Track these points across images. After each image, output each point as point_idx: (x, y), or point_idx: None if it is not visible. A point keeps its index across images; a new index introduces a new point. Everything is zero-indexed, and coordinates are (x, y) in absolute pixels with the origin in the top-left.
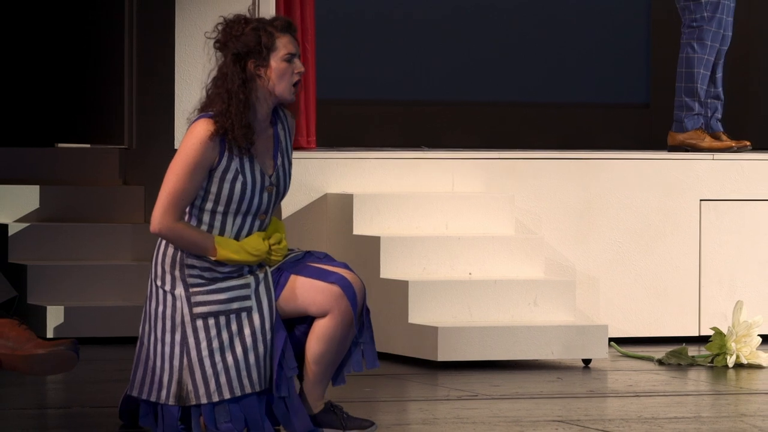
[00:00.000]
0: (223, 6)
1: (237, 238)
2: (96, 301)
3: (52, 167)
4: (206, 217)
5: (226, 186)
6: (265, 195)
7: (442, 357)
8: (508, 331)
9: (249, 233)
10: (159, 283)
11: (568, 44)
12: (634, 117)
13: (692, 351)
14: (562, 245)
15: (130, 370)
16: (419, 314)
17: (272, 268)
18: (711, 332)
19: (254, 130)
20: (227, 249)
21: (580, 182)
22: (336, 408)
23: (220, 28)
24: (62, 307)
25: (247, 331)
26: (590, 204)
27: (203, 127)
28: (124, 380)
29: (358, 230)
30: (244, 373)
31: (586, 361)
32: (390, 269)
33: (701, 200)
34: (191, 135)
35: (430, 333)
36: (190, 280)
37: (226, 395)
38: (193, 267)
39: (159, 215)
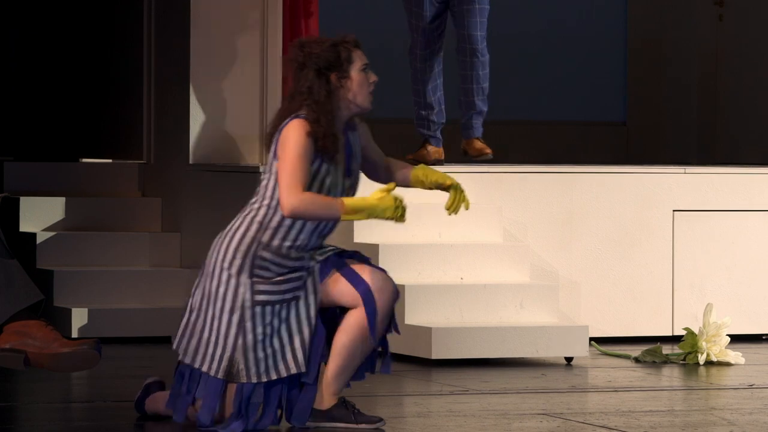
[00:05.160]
0: (234, 32)
1: (312, 235)
2: (117, 304)
3: (77, 180)
4: (288, 219)
5: (315, 186)
6: (344, 194)
7: (435, 355)
8: (497, 331)
9: (326, 229)
10: (226, 265)
11: (553, 67)
12: (612, 134)
13: (666, 349)
14: (546, 252)
15: (150, 368)
16: (414, 316)
17: (321, 259)
18: (683, 332)
19: (338, 138)
20: (349, 206)
21: (562, 194)
22: (348, 404)
23: (295, 50)
24: (86, 310)
25: (293, 318)
26: (572, 214)
27: (303, 124)
28: (143, 377)
29: (358, 238)
30: (289, 356)
31: (569, 359)
32: None
33: (674, 211)
34: (295, 130)
35: (424, 333)
36: (257, 271)
37: (273, 376)
38: (264, 259)
39: (286, 196)
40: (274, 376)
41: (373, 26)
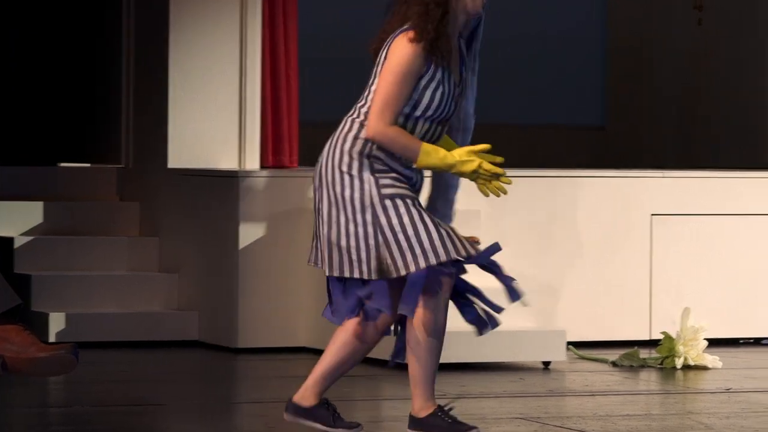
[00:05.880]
0: (213, 39)
1: (423, 139)
2: (95, 308)
3: (55, 185)
4: (400, 119)
5: (428, 94)
6: (454, 103)
7: None
8: (474, 335)
9: (432, 138)
10: (345, 168)
11: (531, 72)
12: (590, 138)
13: (644, 354)
14: (524, 256)
15: (128, 372)
16: None
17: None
18: (661, 336)
19: (451, 38)
20: (430, 157)
21: (541, 198)
22: (330, 406)
23: None
24: (64, 314)
25: (426, 214)
26: (551, 218)
27: (407, 39)
28: (121, 381)
29: None
30: (438, 243)
31: (546, 363)
32: None
33: (652, 215)
34: (398, 47)
35: None
36: (377, 166)
37: (422, 264)
38: (378, 159)
39: (374, 121)
40: (423, 264)
41: (353, 31)
